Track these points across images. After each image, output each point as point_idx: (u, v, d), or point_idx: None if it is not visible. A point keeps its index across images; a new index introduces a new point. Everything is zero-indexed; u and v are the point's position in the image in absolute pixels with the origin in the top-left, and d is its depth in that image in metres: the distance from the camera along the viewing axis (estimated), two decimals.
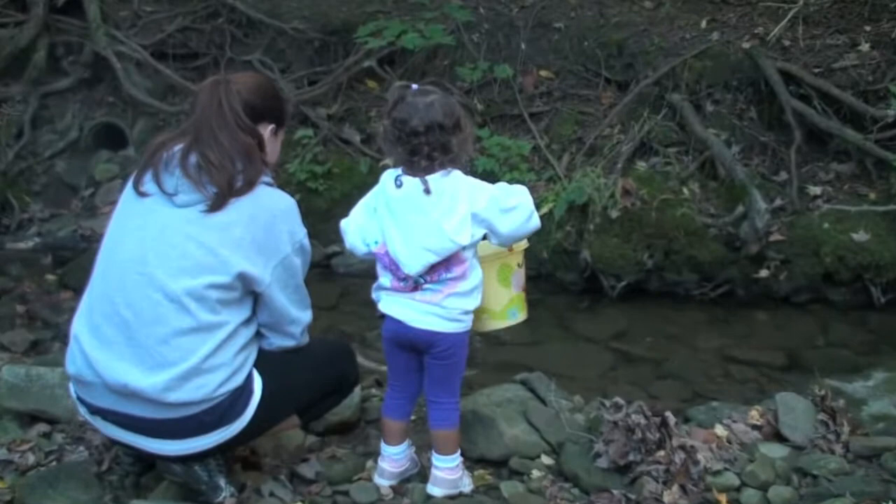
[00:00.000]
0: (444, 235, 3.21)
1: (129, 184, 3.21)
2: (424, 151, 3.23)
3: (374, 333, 5.61)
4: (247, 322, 3.21)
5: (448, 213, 3.23)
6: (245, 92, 3.21)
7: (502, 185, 3.39)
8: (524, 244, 3.57)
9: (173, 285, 3.02)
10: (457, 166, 3.31)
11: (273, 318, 3.27)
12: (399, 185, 3.29)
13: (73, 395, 3.26)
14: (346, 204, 7.13)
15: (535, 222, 3.41)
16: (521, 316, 3.62)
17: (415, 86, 3.35)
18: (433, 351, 3.38)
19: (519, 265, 3.58)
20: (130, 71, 8.07)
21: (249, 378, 3.19)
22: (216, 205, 3.07)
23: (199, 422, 3.09)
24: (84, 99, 8.21)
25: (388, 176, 3.36)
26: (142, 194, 3.14)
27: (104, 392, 3.08)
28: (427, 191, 3.22)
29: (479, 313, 3.47)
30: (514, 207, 3.33)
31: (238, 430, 3.20)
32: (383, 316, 3.45)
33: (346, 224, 3.50)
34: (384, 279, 3.41)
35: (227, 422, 3.15)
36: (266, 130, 3.28)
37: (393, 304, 3.40)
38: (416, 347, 3.41)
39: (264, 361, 3.27)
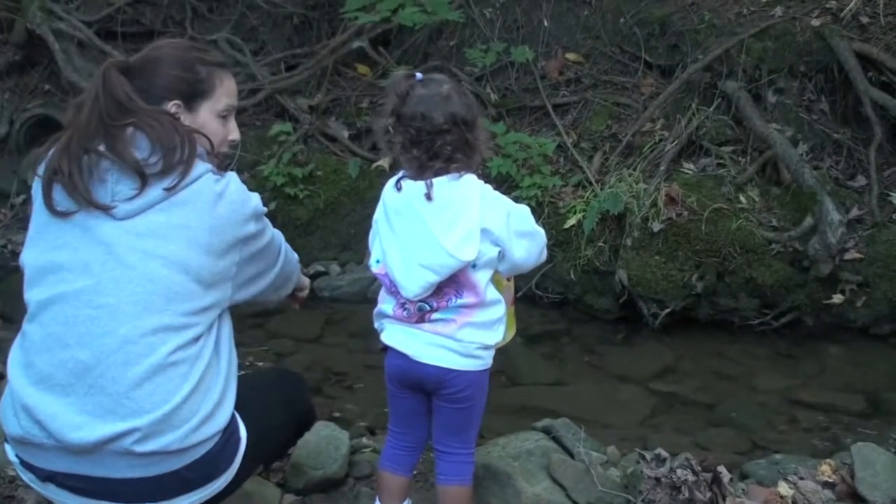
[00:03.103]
0: (442, 250, 3.23)
1: (40, 204, 3.14)
2: (447, 152, 3.27)
3: (366, 371, 5.64)
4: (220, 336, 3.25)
5: (450, 224, 3.25)
6: (145, 73, 3.22)
7: (512, 202, 3.43)
8: None
9: (143, 314, 3.02)
10: (473, 169, 3.35)
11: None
12: (399, 190, 3.33)
13: (15, 460, 3.24)
14: (331, 214, 7.28)
15: (545, 255, 3.54)
16: (509, 335, 3.65)
17: (419, 74, 3.38)
18: (444, 392, 3.39)
19: (509, 279, 3.61)
20: (71, 53, 8.12)
21: (234, 419, 3.21)
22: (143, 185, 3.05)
23: (181, 479, 3.10)
24: (15, 87, 8.26)
25: (390, 181, 3.40)
26: (62, 214, 3.09)
27: (60, 453, 3.08)
28: (428, 196, 3.26)
29: None
30: (530, 233, 3.40)
31: (223, 485, 3.22)
32: (385, 348, 3.47)
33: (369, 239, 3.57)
34: (386, 305, 3.44)
35: (213, 476, 3.17)
36: (168, 108, 3.28)
37: (397, 334, 3.42)
38: (424, 387, 3.43)
39: (238, 399, 3.28)
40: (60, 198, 3.08)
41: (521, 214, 3.38)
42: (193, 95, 3.32)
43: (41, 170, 3.13)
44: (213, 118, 3.36)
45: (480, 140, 3.33)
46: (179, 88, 3.29)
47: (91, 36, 8.14)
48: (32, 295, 3.12)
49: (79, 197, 3.05)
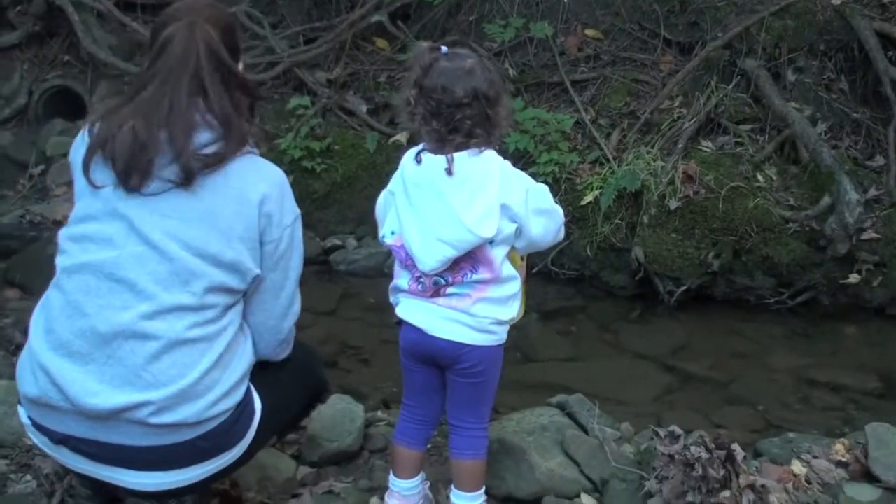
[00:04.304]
0: (462, 225, 3.23)
1: (79, 169, 3.16)
2: (466, 127, 3.27)
3: (381, 345, 5.65)
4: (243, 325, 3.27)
5: (470, 199, 3.25)
6: (222, 33, 3.19)
7: (531, 180, 3.43)
8: None
9: (162, 293, 3.04)
10: (493, 145, 3.35)
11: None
12: (418, 163, 3.33)
13: (27, 421, 3.25)
14: (348, 188, 7.28)
15: (562, 234, 3.55)
16: (520, 313, 3.65)
17: (444, 48, 3.38)
18: (457, 367, 3.40)
19: (522, 258, 3.61)
20: (90, 24, 8.11)
21: (248, 391, 3.23)
22: (187, 180, 3.05)
23: (194, 448, 3.11)
24: (34, 58, 8.25)
25: (409, 153, 3.40)
26: (95, 186, 3.11)
27: (77, 417, 3.10)
28: (449, 171, 3.25)
29: None
30: (548, 210, 3.41)
31: (236, 456, 3.23)
32: (400, 322, 3.48)
33: (376, 211, 3.57)
34: (401, 279, 3.44)
35: (227, 447, 3.19)
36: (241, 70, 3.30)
37: (412, 308, 3.42)
38: (438, 361, 3.43)
39: (254, 371, 3.30)
40: (98, 170, 3.10)
41: (540, 192, 3.38)
42: (240, 53, 3.34)
43: (85, 136, 3.14)
44: None
45: (501, 116, 3.33)
46: (241, 48, 3.32)
47: (111, 7, 8.12)
48: (59, 261, 3.16)
49: (117, 177, 3.06)
